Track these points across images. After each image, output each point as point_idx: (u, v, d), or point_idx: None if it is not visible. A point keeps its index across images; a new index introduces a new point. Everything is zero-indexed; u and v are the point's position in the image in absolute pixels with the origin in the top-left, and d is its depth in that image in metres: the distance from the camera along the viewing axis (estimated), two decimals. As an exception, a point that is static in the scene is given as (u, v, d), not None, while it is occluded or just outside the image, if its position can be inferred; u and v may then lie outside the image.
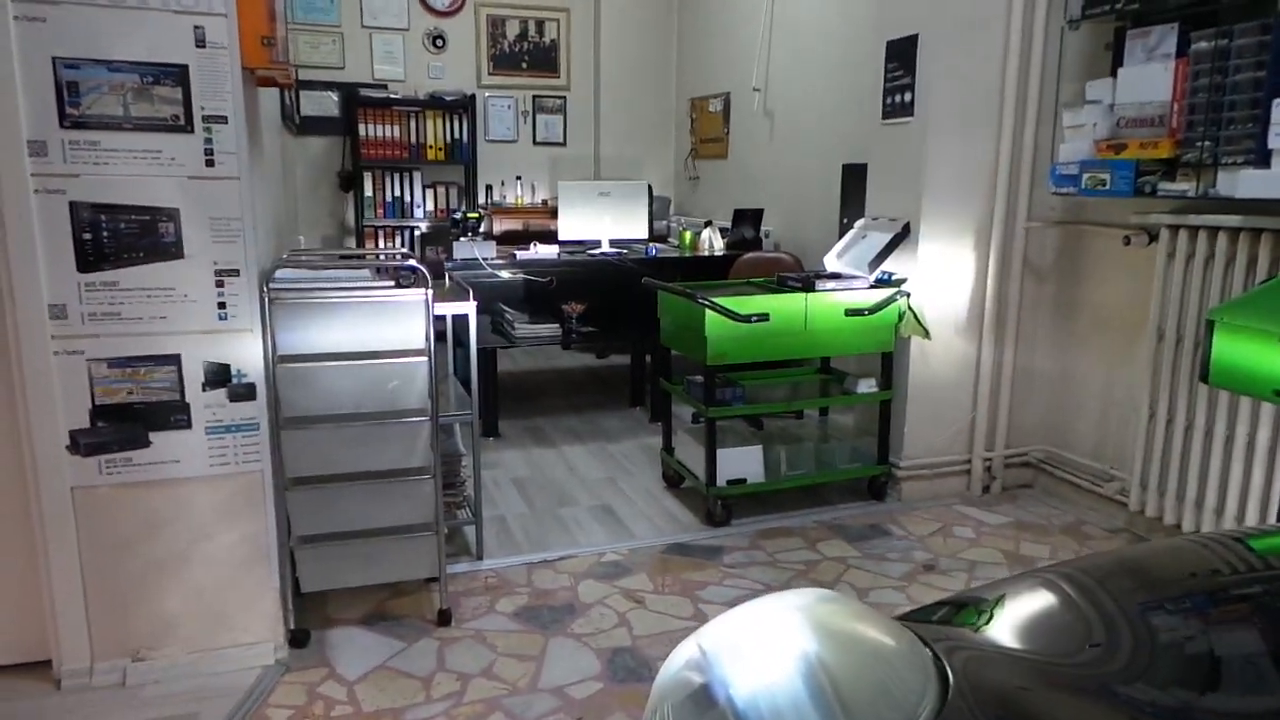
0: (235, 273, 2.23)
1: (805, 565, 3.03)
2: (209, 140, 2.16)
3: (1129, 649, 0.91)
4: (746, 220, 5.20)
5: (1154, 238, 3.09)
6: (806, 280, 3.37)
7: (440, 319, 2.76)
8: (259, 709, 2.20)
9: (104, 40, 2.05)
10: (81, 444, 2.18)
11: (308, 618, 2.59)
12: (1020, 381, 3.66)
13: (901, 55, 3.47)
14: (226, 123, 2.17)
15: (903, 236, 3.44)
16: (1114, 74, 3.03)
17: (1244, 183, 2.60)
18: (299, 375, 2.40)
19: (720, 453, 3.30)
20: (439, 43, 6.51)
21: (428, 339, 2.49)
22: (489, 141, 6.72)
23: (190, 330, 2.22)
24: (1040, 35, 3.36)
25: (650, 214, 5.16)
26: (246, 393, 2.30)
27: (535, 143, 6.88)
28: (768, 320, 3.20)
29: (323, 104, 6.30)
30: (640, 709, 2.21)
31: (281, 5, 2.45)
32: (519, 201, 6.71)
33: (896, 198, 3.56)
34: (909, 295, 3.42)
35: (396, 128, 6.22)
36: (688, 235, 5.27)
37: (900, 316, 3.42)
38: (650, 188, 5.25)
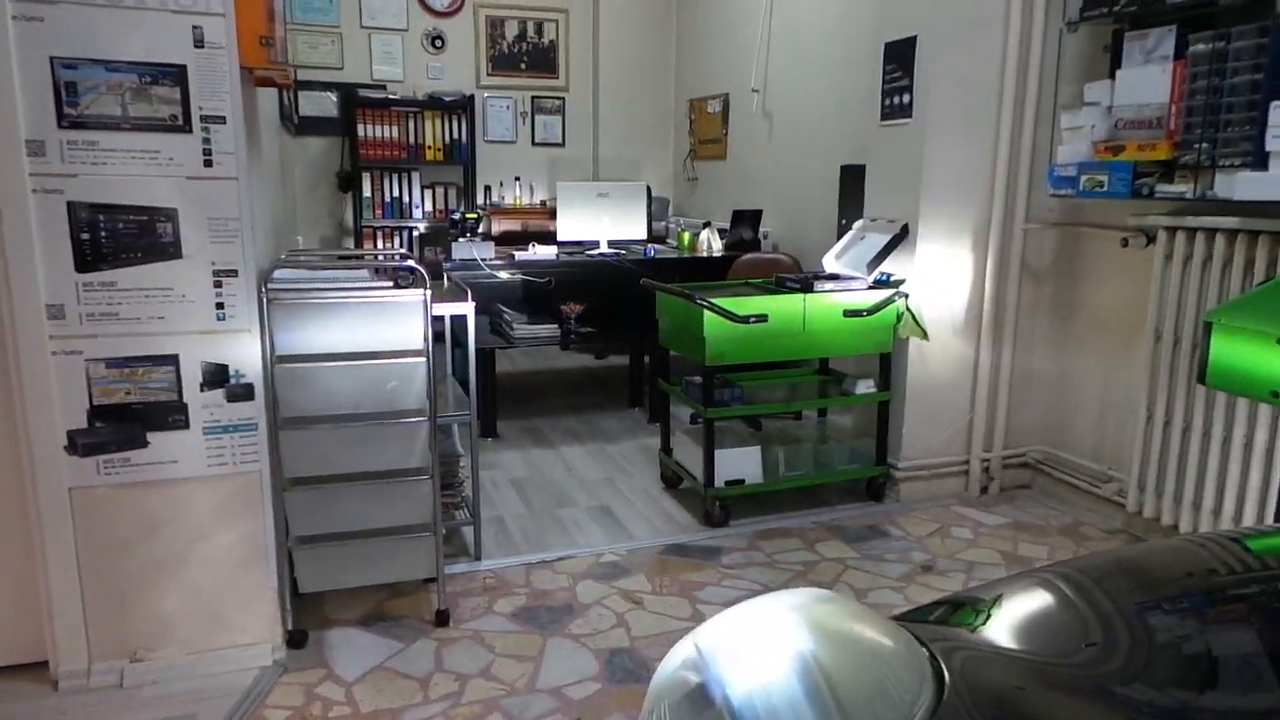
0: (233, 273, 2.23)
1: (803, 566, 3.03)
2: (207, 140, 2.16)
3: (1126, 649, 0.91)
4: (745, 221, 5.20)
5: (1152, 239, 3.09)
6: (805, 281, 3.37)
7: (439, 319, 2.75)
8: (257, 710, 2.20)
9: (102, 40, 2.05)
10: (79, 444, 2.18)
11: (306, 618, 2.59)
12: (1018, 383, 3.66)
13: (900, 57, 3.47)
14: (225, 123, 2.17)
15: (901, 238, 3.45)
16: (1112, 76, 3.04)
17: (1241, 185, 2.60)
18: (297, 376, 2.40)
19: (718, 453, 3.30)
20: (438, 43, 6.51)
21: (426, 339, 2.49)
22: (488, 142, 6.72)
23: (188, 330, 2.22)
24: (1039, 37, 3.37)
25: (649, 215, 5.16)
26: (244, 393, 2.30)
27: (534, 143, 6.88)
28: (766, 321, 3.21)
29: (321, 104, 6.30)
30: (638, 710, 2.21)
31: (280, 5, 2.45)
32: (518, 202, 6.70)
33: (895, 199, 3.56)
34: (907, 296, 3.42)
35: (395, 128, 6.22)
36: (686, 236, 5.27)
37: (899, 318, 3.42)
38: (649, 189, 5.25)
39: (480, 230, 4.65)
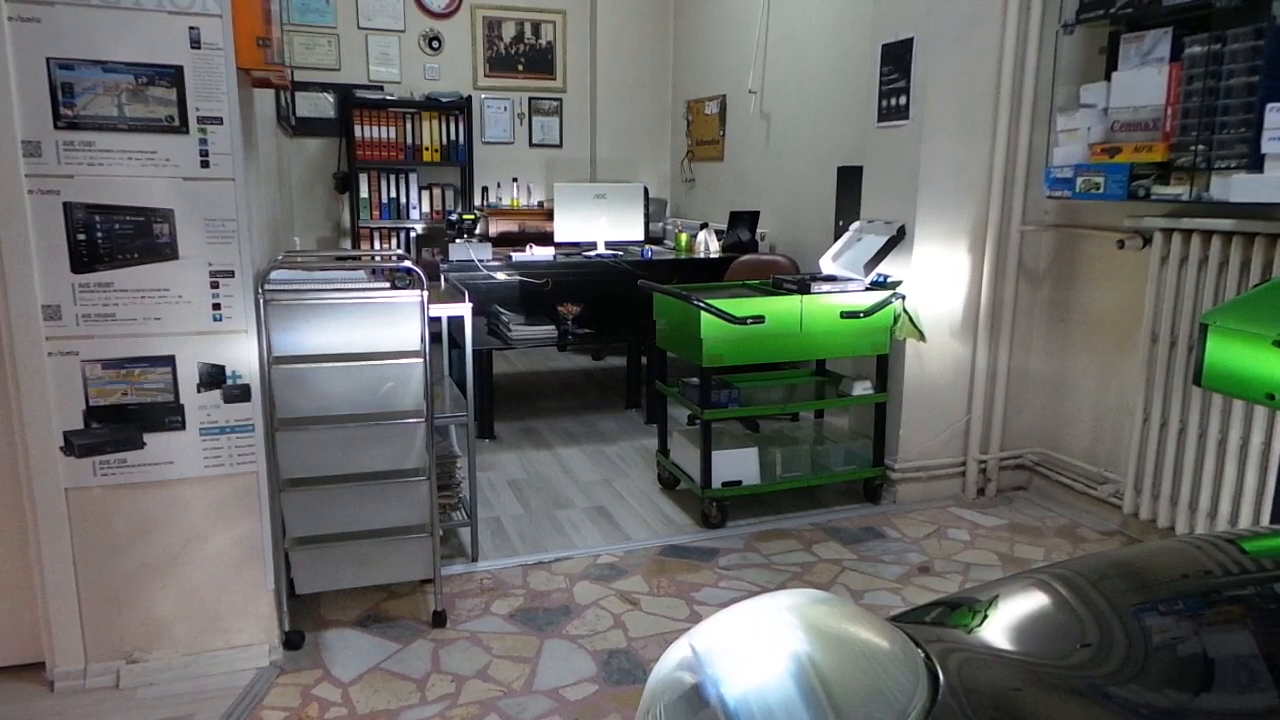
0: (230, 274, 2.23)
1: (800, 567, 3.03)
2: (204, 141, 2.16)
3: (1121, 650, 0.91)
4: (742, 222, 5.21)
5: (1148, 241, 3.10)
6: (802, 282, 3.38)
7: (436, 320, 2.75)
8: (253, 711, 2.20)
9: (99, 41, 2.05)
10: (75, 445, 2.18)
11: (302, 619, 2.59)
12: (1015, 384, 3.67)
13: (897, 59, 3.48)
14: (221, 124, 2.17)
15: (898, 239, 3.45)
16: (1108, 78, 3.04)
17: (1237, 187, 2.61)
18: (294, 376, 2.40)
19: (715, 455, 3.31)
20: (435, 44, 6.51)
21: (423, 340, 2.49)
22: (485, 143, 6.72)
23: (185, 331, 2.22)
24: (1035, 39, 3.37)
25: (646, 216, 5.17)
26: (241, 394, 2.29)
27: (531, 145, 6.88)
28: (763, 322, 3.21)
29: (318, 105, 6.29)
30: (635, 710, 2.21)
31: (277, 6, 2.45)
32: (515, 203, 6.71)
33: (892, 201, 3.56)
34: (904, 298, 3.42)
35: (392, 129, 6.22)
36: (683, 237, 5.28)
37: (895, 319, 3.43)
38: (646, 190, 5.25)
39: (477, 231, 4.66)
